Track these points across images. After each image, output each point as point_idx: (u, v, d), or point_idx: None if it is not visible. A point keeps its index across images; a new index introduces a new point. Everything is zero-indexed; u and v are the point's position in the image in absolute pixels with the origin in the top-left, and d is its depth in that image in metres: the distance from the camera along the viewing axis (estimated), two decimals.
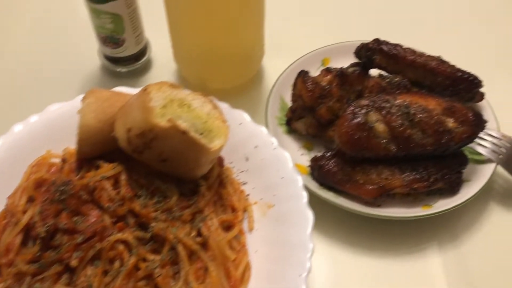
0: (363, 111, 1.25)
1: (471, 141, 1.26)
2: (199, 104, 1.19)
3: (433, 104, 1.24)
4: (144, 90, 1.11)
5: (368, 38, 1.50)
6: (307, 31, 1.81)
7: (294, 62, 1.57)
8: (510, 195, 1.37)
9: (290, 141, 1.44)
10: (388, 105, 1.25)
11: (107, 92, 1.23)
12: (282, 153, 1.28)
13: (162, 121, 1.06)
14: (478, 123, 1.25)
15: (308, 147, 1.44)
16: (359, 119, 1.24)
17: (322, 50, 1.61)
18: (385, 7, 1.93)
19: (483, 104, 1.46)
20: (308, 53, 1.60)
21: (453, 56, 1.47)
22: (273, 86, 1.50)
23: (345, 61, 1.55)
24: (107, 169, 1.09)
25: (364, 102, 1.26)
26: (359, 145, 1.24)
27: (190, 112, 1.16)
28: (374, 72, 1.51)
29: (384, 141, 1.24)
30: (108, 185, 1.03)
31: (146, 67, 1.69)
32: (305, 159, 1.39)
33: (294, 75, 1.43)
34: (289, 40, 1.77)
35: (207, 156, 1.13)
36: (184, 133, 1.06)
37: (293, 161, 1.33)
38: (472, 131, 1.24)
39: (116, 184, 1.08)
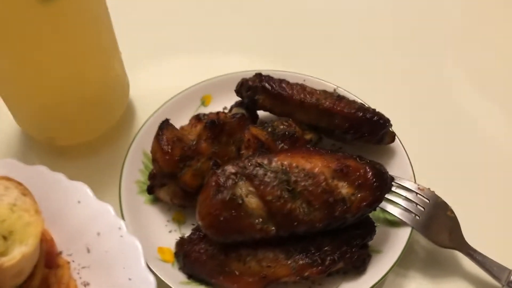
0: (230, 182, 0.94)
1: (374, 208, 0.97)
2: None
3: (320, 166, 0.94)
4: None
5: (259, 67, 1.20)
6: (183, 62, 1.49)
7: (163, 105, 1.25)
8: (431, 263, 1.09)
9: (155, 213, 1.12)
10: (261, 171, 0.94)
11: None
12: (130, 242, 0.96)
13: None
14: (380, 185, 0.96)
15: (179, 220, 1.12)
16: (224, 194, 0.93)
17: (200, 87, 1.30)
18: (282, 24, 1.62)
19: (395, 146, 1.18)
20: (182, 92, 1.28)
21: (354, 86, 1.18)
22: (132, 141, 1.17)
23: (230, 98, 1.25)
24: None
25: (231, 169, 0.95)
26: (227, 228, 0.93)
27: None
28: (262, 113, 1.21)
29: (259, 220, 0.93)
30: None
31: None
32: (175, 238, 1.07)
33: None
34: (161, 75, 1.46)
35: (0, 272, 0.80)
36: None
37: (155, 244, 1.02)
38: (373, 197, 0.95)
39: None
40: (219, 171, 0.96)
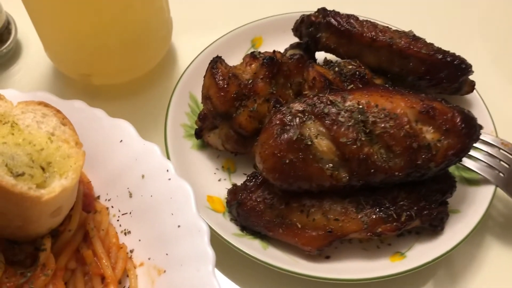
0: (297, 120, 0.81)
1: (460, 159, 0.84)
2: (33, 120, 0.74)
3: (403, 106, 0.82)
4: None
5: (313, 8, 1.06)
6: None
7: (211, 45, 1.13)
8: (510, 224, 0.97)
9: (203, 160, 1.01)
10: (334, 109, 0.82)
11: None
12: (180, 186, 0.85)
13: None
14: (469, 132, 0.83)
15: (230, 168, 1.00)
16: (290, 134, 0.81)
17: (250, 27, 1.17)
18: None
19: (472, 97, 1.04)
20: (231, 31, 1.15)
21: (430, 33, 1.04)
22: (179, 81, 1.06)
23: (284, 41, 1.13)
24: None
25: (298, 106, 0.82)
26: (292, 173, 0.81)
27: (14, 136, 0.71)
28: (321, 56, 1.08)
29: (329, 165, 0.81)
30: None
31: (15, 55, 1.22)
32: (224, 187, 0.96)
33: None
34: (207, 13, 1.32)
35: (39, 208, 0.70)
36: None
37: (203, 193, 0.91)
38: (461, 145, 0.82)
39: None
40: (283, 108, 0.83)
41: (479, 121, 1.00)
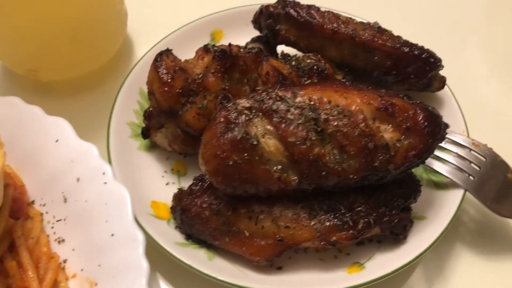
0: (243, 118, 0.74)
1: (423, 161, 0.77)
2: None
3: (358, 102, 0.74)
4: None
5: None
6: None
7: (165, 38, 1.05)
8: (483, 236, 0.90)
9: (151, 161, 0.94)
10: (283, 106, 0.74)
11: None
12: (116, 190, 0.78)
13: None
14: (433, 131, 0.76)
15: (180, 171, 0.93)
16: (234, 133, 0.73)
17: (209, 19, 1.10)
18: None
19: (444, 95, 0.97)
20: (188, 24, 1.08)
21: (397, 25, 0.97)
22: (127, 76, 0.98)
23: (246, 35, 1.05)
24: None
25: (245, 102, 0.75)
26: (237, 176, 0.74)
27: None
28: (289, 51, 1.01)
29: (277, 167, 0.73)
30: None
31: None
32: (172, 191, 0.89)
33: None
34: (167, 4, 1.25)
35: None
36: None
37: (147, 198, 0.84)
38: (424, 145, 0.75)
39: None
40: (229, 104, 0.76)
41: (450, 120, 0.94)
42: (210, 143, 0.75)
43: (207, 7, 1.13)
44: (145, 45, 1.13)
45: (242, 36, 1.06)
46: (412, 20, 1.25)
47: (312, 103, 0.74)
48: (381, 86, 0.94)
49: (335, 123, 0.73)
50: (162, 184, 0.91)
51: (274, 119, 0.74)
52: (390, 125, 0.75)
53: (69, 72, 1.06)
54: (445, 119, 0.93)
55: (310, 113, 0.73)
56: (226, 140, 0.74)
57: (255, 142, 0.73)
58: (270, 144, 0.74)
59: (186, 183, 0.91)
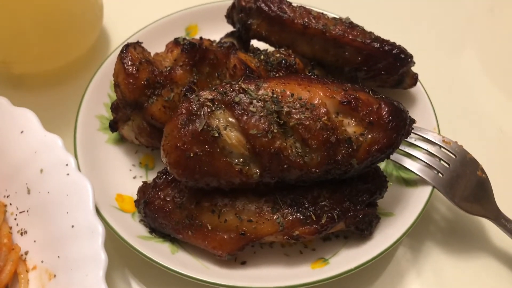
0: (205, 109, 0.73)
1: (387, 155, 0.76)
2: None
3: (321, 96, 0.73)
4: None
5: None
6: None
7: (139, 31, 1.05)
8: (452, 234, 0.89)
9: (119, 155, 0.93)
10: (246, 99, 0.73)
11: None
12: (78, 182, 0.77)
13: None
14: (397, 125, 0.75)
15: (148, 164, 0.92)
16: (196, 125, 0.72)
17: (184, 14, 1.09)
18: None
19: (416, 91, 0.96)
20: (163, 18, 1.07)
21: (369, 21, 0.96)
22: (98, 69, 0.97)
23: (222, 30, 1.05)
24: None
25: (208, 94, 0.74)
26: (198, 168, 0.73)
27: None
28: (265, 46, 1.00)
29: (239, 160, 0.73)
30: None
31: None
32: (139, 185, 0.87)
33: None
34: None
35: None
36: None
37: (113, 191, 0.83)
38: (387, 140, 0.74)
39: None
40: (192, 96, 0.75)
41: (421, 117, 0.94)
42: (171, 134, 0.74)
43: (185, 1, 1.13)
44: (121, 39, 1.12)
45: (217, 31, 1.06)
46: (388, 17, 1.24)
47: (274, 95, 0.73)
48: (353, 82, 0.94)
49: (297, 116, 0.72)
50: (129, 178, 0.90)
51: (236, 111, 0.73)
52: (354, 119, 0.74)
53: (42, 65, 1.05)
54: (417, 116, 0.93)
55: (273, 106, 0.72)
56: (187, 131, 0.73)
57: (216, 134, 0.72)
58: (232, 136, 0.73)
59: (153, 177, 0.89)
